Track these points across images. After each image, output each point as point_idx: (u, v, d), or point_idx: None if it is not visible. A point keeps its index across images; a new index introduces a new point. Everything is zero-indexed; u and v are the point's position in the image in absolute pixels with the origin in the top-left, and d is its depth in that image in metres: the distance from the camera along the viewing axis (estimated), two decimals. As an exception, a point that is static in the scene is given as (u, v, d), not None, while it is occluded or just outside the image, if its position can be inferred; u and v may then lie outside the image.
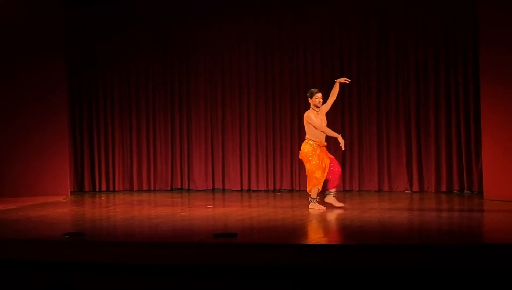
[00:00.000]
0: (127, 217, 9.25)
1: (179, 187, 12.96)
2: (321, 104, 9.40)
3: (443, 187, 11.62)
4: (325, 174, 9.31)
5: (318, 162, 9.30)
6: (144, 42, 12.89)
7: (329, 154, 9.48)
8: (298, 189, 12.39)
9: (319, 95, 9.38)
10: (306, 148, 9.40)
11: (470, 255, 6.07)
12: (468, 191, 11.48)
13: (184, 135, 12.94)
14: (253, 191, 12.57)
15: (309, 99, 9.40)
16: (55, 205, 10.75)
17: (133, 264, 6.46)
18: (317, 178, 9.30)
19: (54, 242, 7.02)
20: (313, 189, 9.37)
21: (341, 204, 9.46)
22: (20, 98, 11.80)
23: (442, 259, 6.04)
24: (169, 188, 12.95)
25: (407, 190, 11.86)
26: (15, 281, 6.60)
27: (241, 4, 12.57)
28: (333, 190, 9.48)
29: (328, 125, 12.15)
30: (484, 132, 10.44)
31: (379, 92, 12.03)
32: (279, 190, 12.54)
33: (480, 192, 10.84)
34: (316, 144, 9.35)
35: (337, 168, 9.49)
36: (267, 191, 12.53)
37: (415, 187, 11.79)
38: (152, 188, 12.98)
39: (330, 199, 9.48)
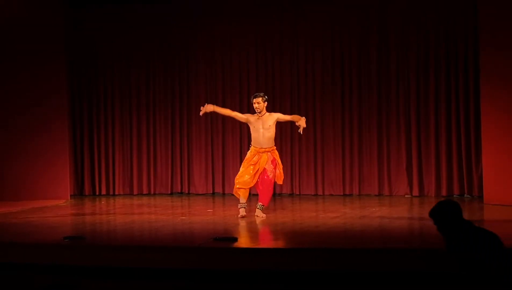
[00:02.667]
0: (127, 221, 9.24)
1: (179, 191, 12.94)
2: (258, 110, 9.18)
3: (443, 192, 11.61)
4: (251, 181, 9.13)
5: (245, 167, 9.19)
6: (145, 43, 12.87)
7: (269, 163, 9.15)
8: (298, 193, 12.38)
9: (256, 100, 9.20)
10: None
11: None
12: (468, 196, 11.46)
13: (184, 138, 12.92)
14: (253, 195, 12.50)
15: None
16: (55, 209, 10.75)
17: (133, 268, 6.45)
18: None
19: (54, 246, 7.02)
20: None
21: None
22: (20, 100, 11.79)
23: (442, 263, 6.04)
24: (169, 192, 12.92)
25: (407, 195, 11.85)
26: (15, 285, 6.59)
27: (242, 4, 12.56)
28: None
29: (329, 129, 12.29)
30: (484, 136, 10.44)
31: (380, 95, 12.02)
32: (279, 194, 12.53)
33: (480, 197, 10.83)
34: (255, 149, 9.23)
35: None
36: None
37: (415, 192, 11.78)
38: (152, 192, 12.96)
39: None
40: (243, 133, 12.65)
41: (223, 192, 12.74)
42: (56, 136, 11.99)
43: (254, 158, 9.14)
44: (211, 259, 6.44)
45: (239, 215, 9.07)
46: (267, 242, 7.59)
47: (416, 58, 11.78)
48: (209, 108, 9.36)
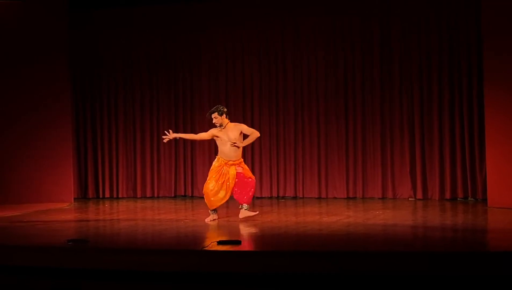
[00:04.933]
0: (131, 224, 9.25)
1: (183, 194, 12.95)
2: (218, 124, 9.09)
3: (447, 195, 11.59)
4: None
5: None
6: (148, 46, 12.91)
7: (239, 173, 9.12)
8: (301, 196, 12.38)
9: (213, 116, 9.09)
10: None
11: (474, 263, 6.05)
12: (472, 199, 11.45)
13: (187, 141, 12.94)
14: (257, 198, 12.53)
15: None
16: (59, 212, 10.75)
17: (136, 271, 6.46)
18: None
19: (58, 249, 7.02)
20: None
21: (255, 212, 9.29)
22: (23, 104, 11.83)
23: (445, 266, 6.03)
24: (172, 195, 12.94)
25: (411, 198, 11.84)
26: (18, 288, 6.60)
27: (245, 10, 12.58)
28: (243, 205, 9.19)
29: (332, 132, 12.29)
30: (488, 139, 10.43)
31: (383, 99, 12.02)
32: (283, 197, 12.53)
33: (484, 200, 10.82)
34: (223, 160, 9.15)
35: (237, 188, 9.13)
36: (271, 198, 12.52)
37: (419, 195, 11.77)
38: (155, 195, 12.97)
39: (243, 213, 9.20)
40: (246, 136, 12.64)
41: (226, 195, 12.73)
42: (60, 139, 12.01)
43: (223, 170, 9.09)
44: (214, 262, 6.43)
45: (210, 219, 9.11)
46: (270, 245, 7.58)
47: (419, 62, 11.78)
48: (172, 135, 9.19)
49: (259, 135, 9.39)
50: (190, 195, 12.91)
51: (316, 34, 12.30)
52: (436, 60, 11.69)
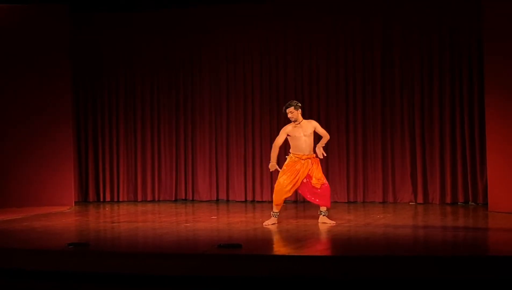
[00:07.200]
0: (131, 228, 9.25)
1: (183, 198, 12.94)
2: (293, 119, 9.00)
3: (448, 199, 11.57)
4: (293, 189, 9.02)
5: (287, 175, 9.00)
6: (149, 49, 12.90)
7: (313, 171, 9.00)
8: (302, 200, 12.36)
9: (288, 110, 9.01)
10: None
11: (475, 266, 6.05)
12: (473, 203, 11.44)
13: (188, 145, 12.94)
14: (258, 202, 12.55)
15: None
16: (60, 215, 10.75)
17: (137, 274, 6.46)
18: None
19: (58, 253, 7.02)
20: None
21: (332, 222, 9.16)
22: (24, 107, 11.83)
23: (446, 270, 6.03)
24: (173, 199, 12.93)
25: (411, 202, 11.83)
26: (19, 291, 6.61)
27: (245, 11, 12.57)
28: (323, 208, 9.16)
29: (333, 135, 12.25)
30: (489, 143, 10.42)
31: (384, 103, 12.01)
32: (284, 201, 12.49)
33: (485, 204, 10.81)
34: (296, 156, 9.00)
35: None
36: (271, 202, 12.47)
37: (420, 199, 11.75)
38: (156, 199, 12.96)
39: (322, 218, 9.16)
40: (247, 139, 12.67)
41: (227, 199, 12.74)
42: (61, 142, 12.01)
43: (296, 166, 8.99)
44: (215, 266, 6.43)
45: (270, 223, 9.08)
46: (271, 249, 7.59)
47: (420, 66, 11.77)
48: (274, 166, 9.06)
49: (329, 138, 9.30)
50: (191, 199, 12.89)
51: (316, 35, 12.29)
52: (437, 64, 11.67)
